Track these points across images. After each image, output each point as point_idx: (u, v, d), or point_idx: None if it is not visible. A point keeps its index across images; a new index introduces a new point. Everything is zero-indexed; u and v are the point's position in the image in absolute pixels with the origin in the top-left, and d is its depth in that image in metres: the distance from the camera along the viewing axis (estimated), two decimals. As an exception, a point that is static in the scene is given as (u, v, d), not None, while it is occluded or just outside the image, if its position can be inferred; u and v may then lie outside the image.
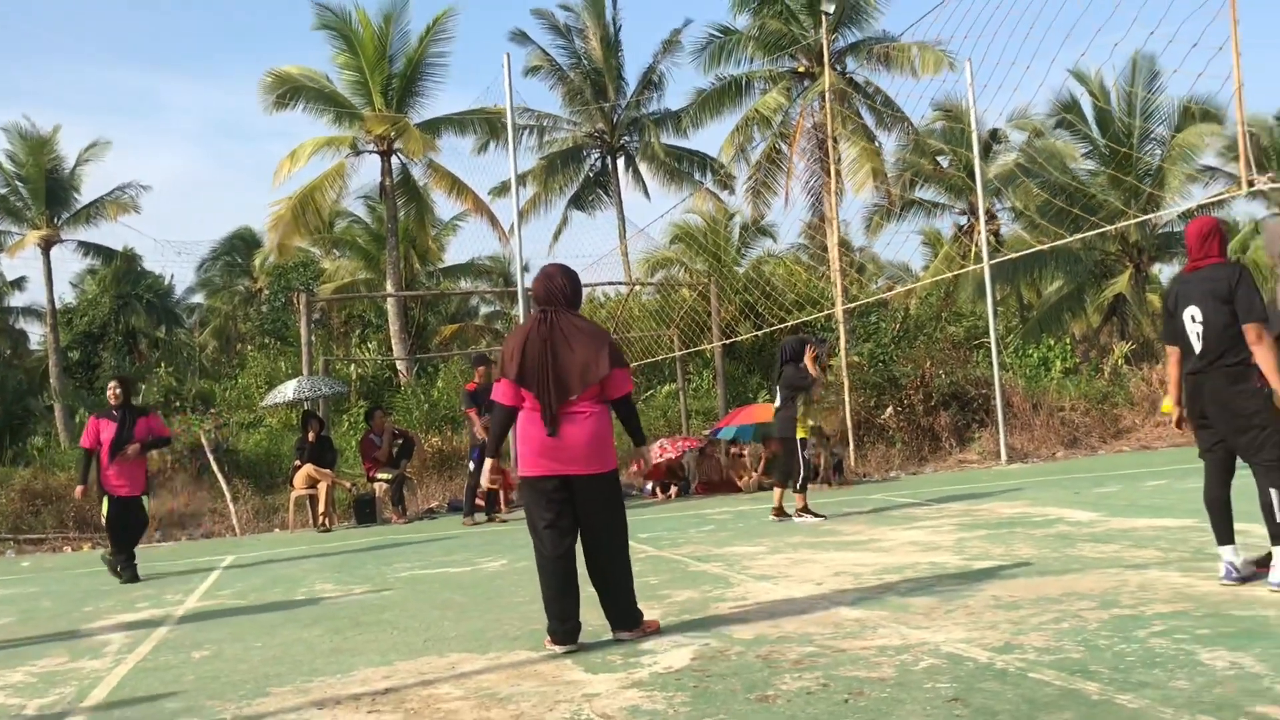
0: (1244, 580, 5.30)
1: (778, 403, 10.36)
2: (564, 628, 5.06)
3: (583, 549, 5.18)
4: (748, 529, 9.83)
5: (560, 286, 5.24)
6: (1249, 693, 3.56)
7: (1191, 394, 5.49)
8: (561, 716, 3.93)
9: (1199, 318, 5.32)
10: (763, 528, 9.82)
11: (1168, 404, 5.87)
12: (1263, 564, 5.39)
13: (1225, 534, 5.44)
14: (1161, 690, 3.66)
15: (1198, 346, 5.35)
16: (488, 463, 5.87)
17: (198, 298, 45.80)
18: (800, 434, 10.13)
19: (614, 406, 5.23)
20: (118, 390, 9.63)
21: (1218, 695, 3.56)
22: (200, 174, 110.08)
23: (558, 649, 5.03)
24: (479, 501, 13.25)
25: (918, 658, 4.38)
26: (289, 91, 26.50)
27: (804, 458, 10.17)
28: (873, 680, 4.08)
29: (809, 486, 10.35)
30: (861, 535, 8.72)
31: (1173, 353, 5.61)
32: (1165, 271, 33.02)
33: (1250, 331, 5.14)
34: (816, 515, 10.04)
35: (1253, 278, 5.33)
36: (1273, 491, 5.19)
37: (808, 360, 10.11)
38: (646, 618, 5.33)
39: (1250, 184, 9.96)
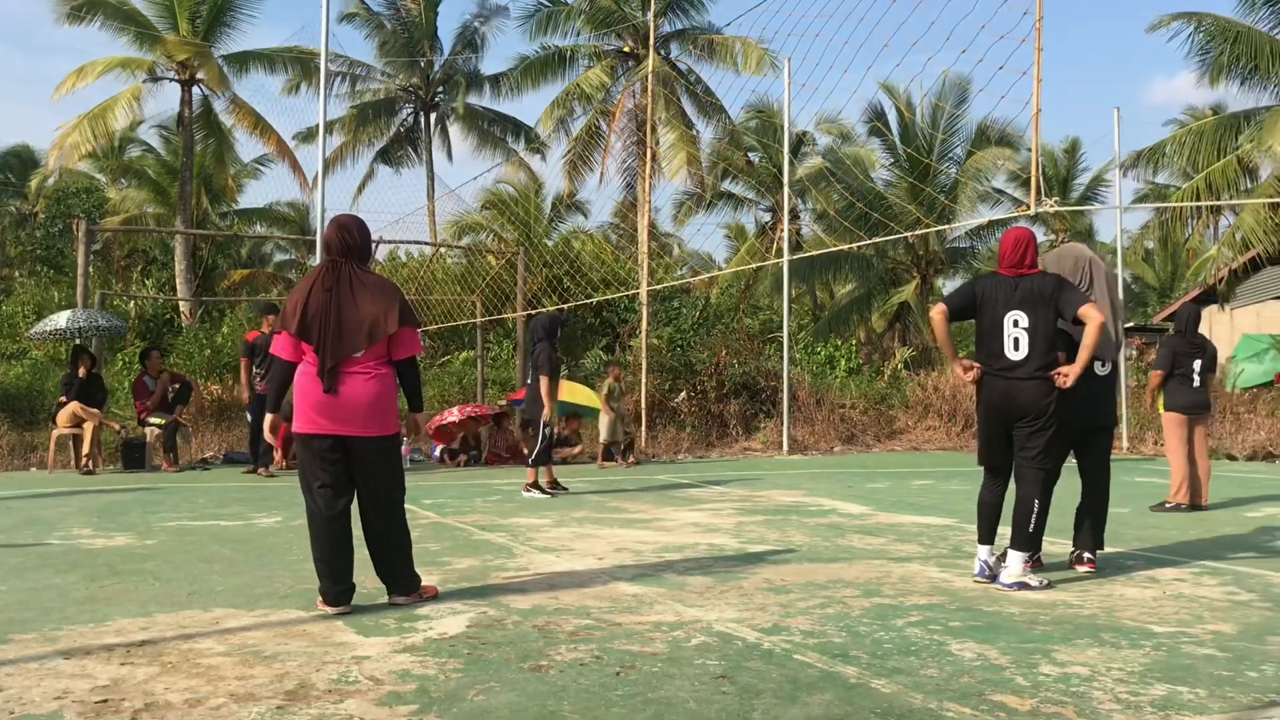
0: (994, 578, 5.65)
1: (530, 379, 10.58)
2: (336, 589, 4.92)
3: (358, 511, 5.04)
4: (534, 501, 9.84)
5: (354, 238, 5.06)
6: (991, 682, 3.80)
7: (999, 398, 5.57)
8: (329, 678, 3.83)
9: (1024, 323, 5.47)
10: (549, 501, 9.85)
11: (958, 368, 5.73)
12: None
13: (988, 535, 5.77)
14: (913, 677, 3.87)
15: (1019, 352, 5.47)
16: (268, 416, 5.31)
17: (-39, 215, 42.35)
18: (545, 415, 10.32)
19: (398, 367, 5.05)
20: None
21: (963, 684, 3.78)
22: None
23: (329, 610, 4.89)
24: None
25: (690, 635, 4.48)
26: (86, 5, 24.78)
27: (545, 434, 10.40)
28: (645, 655, 4.15)
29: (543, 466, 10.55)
30: (645, 514, 8.86)
31: (941, 311, 5.67)
32: (948, 285, 34.88)
33: (1092, 309, 5.38)
34: (544, 492, 10.22)
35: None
36: (1037, 502, 5.54)
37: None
38: (424, 583, 5.26)
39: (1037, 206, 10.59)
